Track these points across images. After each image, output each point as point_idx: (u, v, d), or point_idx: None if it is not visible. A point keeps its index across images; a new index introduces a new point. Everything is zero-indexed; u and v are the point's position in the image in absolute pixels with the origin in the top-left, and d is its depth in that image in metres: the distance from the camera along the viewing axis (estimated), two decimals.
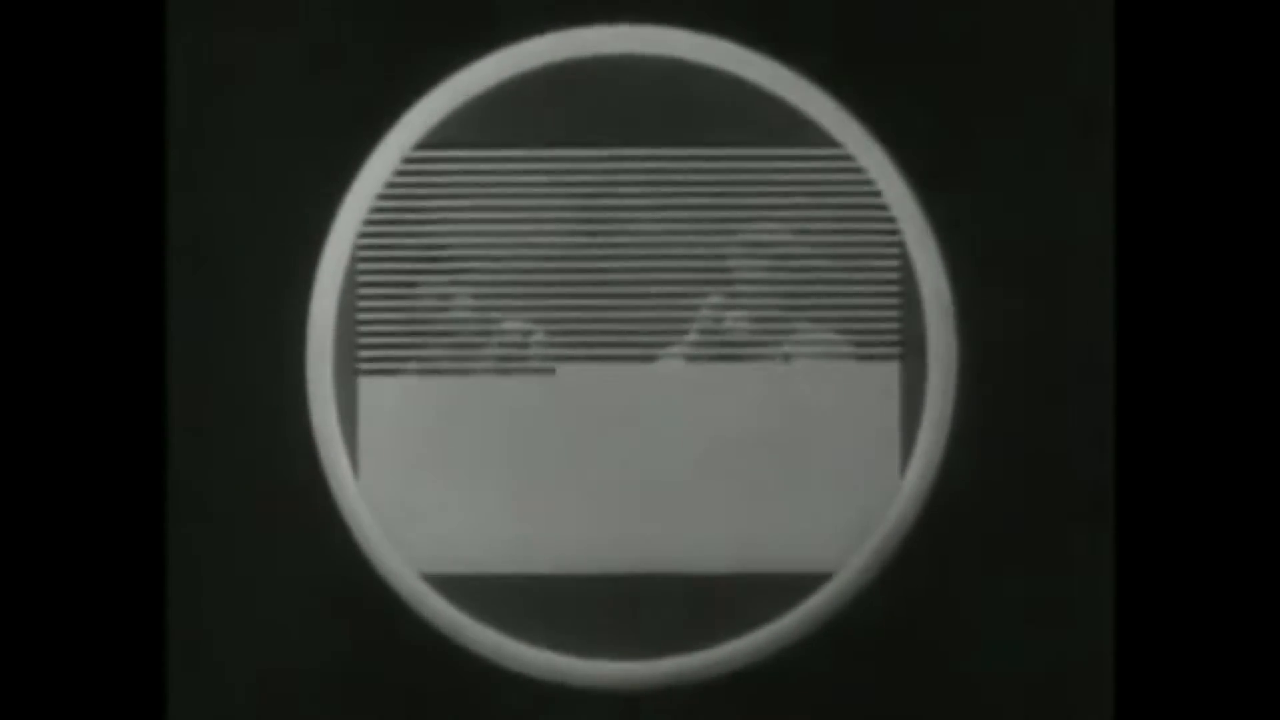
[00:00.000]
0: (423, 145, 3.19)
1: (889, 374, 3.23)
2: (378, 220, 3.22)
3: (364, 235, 3.21)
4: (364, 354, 3.24)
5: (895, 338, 3.23)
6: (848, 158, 3.18)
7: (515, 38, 3.14)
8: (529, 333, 3.25)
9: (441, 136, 3.19)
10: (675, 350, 3.25)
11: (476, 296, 3.25)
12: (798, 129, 3.18)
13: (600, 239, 3.25)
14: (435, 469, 3.23)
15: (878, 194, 3.18)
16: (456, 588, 3.18)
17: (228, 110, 3.11)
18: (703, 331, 3.23)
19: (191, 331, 3.09)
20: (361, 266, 3.24)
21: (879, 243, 3.23)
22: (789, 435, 3.24)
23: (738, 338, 3.25)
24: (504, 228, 3.25)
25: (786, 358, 3.26)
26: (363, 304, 3.24)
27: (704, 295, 3.25)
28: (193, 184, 3.09)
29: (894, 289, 3.23)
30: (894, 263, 3.23)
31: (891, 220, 3.19)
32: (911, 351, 3.21)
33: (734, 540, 3.23)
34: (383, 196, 3.20)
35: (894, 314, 3.23)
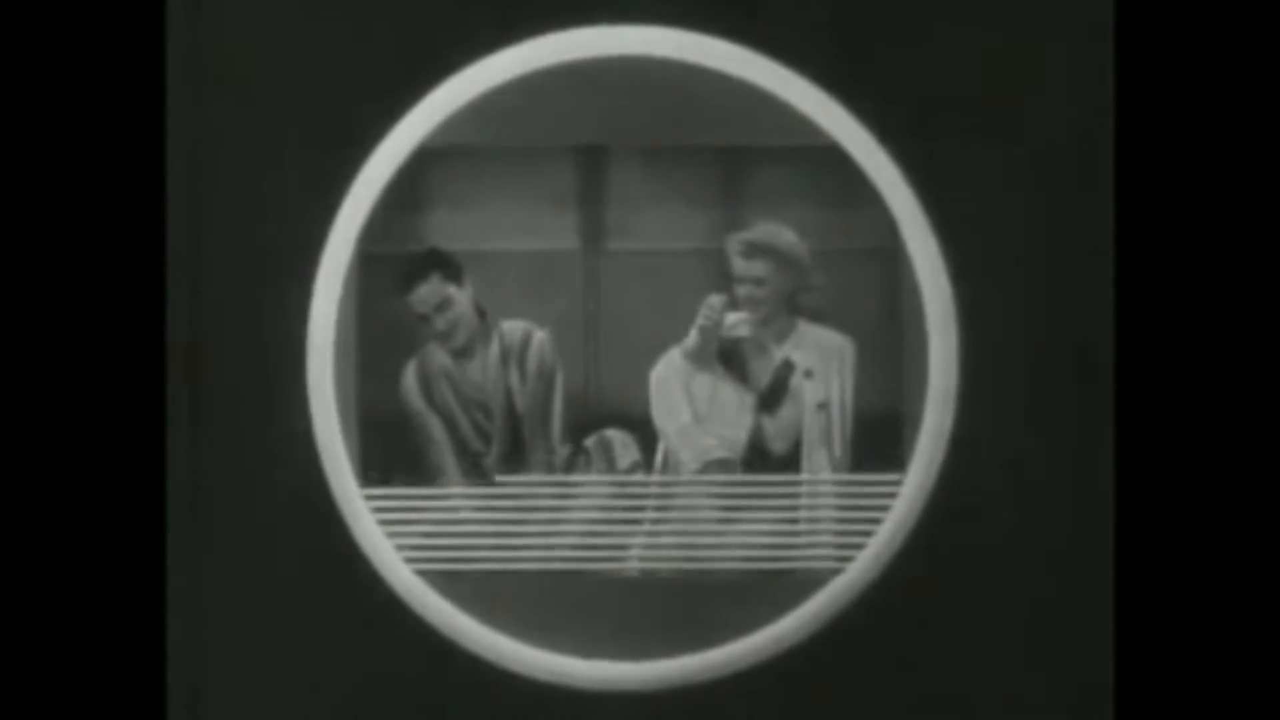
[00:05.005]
0: (424, 145, 3.19)
1: (888, 374, 3.23)
2: (378, 220, 3.22)
3: (364, 235, 3.20)
4: (364, 355, 3.23)
5: (895, 339, 3.23)
6: (847, 157, 3.18)
7: (516, 38, 3.15)
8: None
9: (442, 137, 3.19)
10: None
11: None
12: (797, 128, 3.18)
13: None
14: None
15: (877, 194, 3.18)
16: (455, 586, 3.18)
17: (228, 110, 3.12)
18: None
19: (191, 331, 3.10)
20: (361, 267, 3.23)
21: (878, 243, 3.22)
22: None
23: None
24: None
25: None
26: (362, 304, 3.24)
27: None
28: (193, 183, 3.10)
29: (893, 290, 3.22)
30: (894, 263, 3.22)
31: (891, 220, 3.19)
32: (911, 352, 3.20)
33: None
34: (383, 196, 3.20)
35: (893, 315, 3.23)
